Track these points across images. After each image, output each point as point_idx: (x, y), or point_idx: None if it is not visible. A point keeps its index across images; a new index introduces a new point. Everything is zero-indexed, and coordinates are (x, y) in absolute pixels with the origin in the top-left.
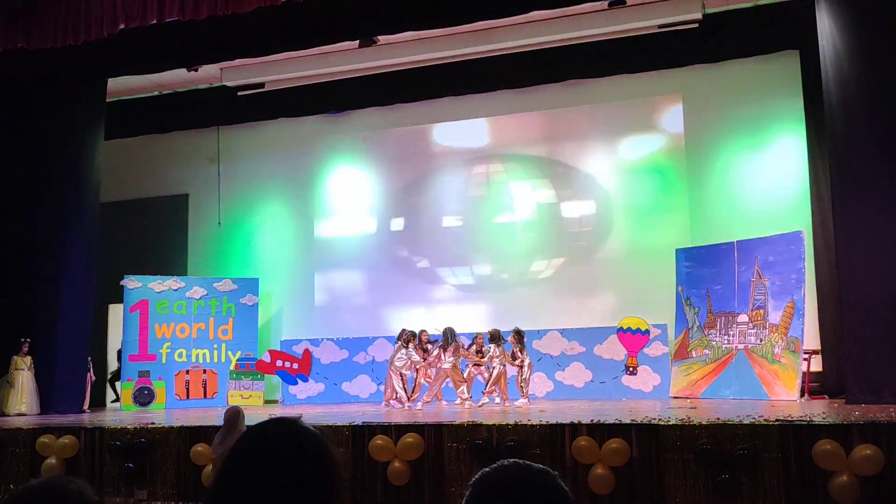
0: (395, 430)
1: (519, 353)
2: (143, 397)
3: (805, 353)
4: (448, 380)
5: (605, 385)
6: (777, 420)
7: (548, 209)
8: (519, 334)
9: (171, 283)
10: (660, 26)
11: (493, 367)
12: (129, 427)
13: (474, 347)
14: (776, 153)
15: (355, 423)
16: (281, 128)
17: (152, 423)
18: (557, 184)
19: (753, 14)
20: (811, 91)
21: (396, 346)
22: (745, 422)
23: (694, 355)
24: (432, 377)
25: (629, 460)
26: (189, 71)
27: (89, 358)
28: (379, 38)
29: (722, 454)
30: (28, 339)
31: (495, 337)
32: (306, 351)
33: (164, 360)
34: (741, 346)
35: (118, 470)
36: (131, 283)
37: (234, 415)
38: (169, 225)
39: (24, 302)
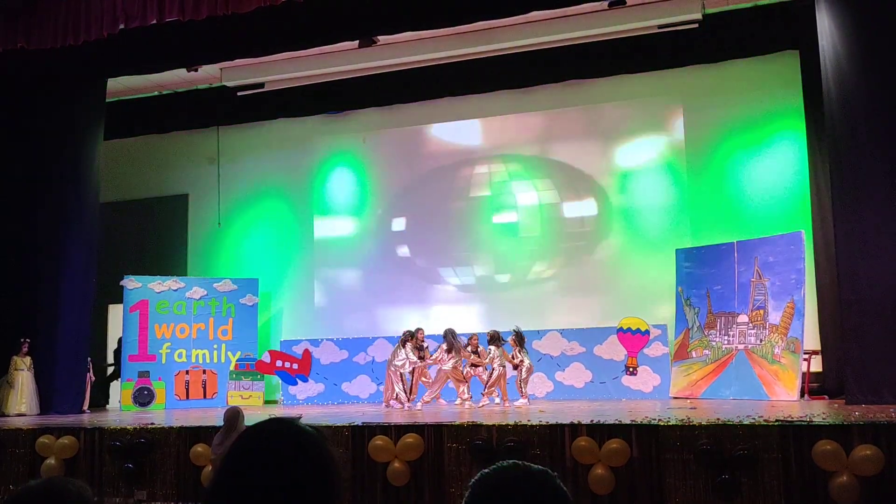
0: (394, 431)
1: (518, 354)
2: (143, 398)
3: (805, 353)
4: (448, 380)
5: (604, 385)
6: (777, 420)
7: (548, 209)
8: (519, 336)
9: (171, 283)
10: (660, 27)
11: (493, 368)
12: (128, 427)
13: (470, 348)
14: (776, 153)
15: (355, 424)
16: (281, 128)
17: (152, 424)
18: (557, 184)
19: (753, 14)
20: (811, 91)
21: (395, 346)
22: (745, 422)
23: (694, 356)
24: (431, 377)
25: (629, 460)
26: (189, 71)
27: (89, 358)
28: (379, 38)
29: (722, 454)
30: (28, 340)
31: (494, 338)
32: (306, 351)
33: (163, 361)
34: (741, 347)
35: (118, 470)
36: (131, 283)
37: (233, 415)
38: (169, 225)
39: (24, 302)
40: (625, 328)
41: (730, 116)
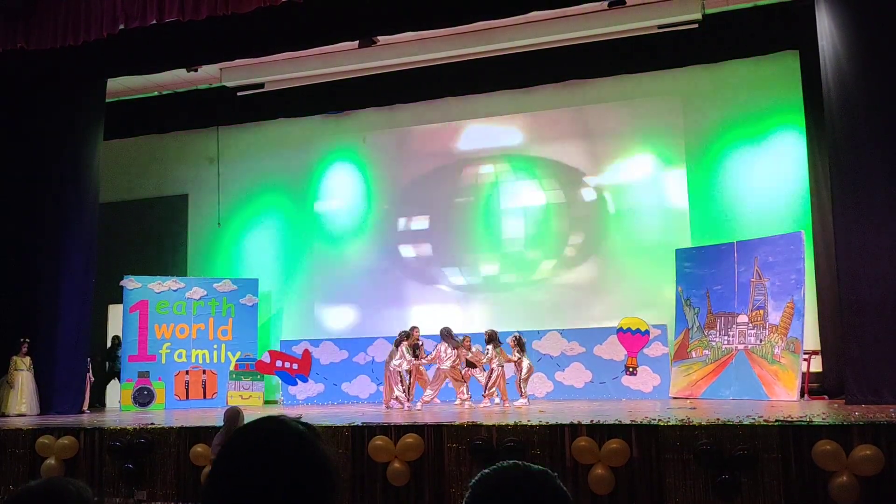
0: (394, 431)
1: (517, 354)
2: (143, 398)
3: (805, 353)
4: (447, 380)
5: (604, 385)
6: (777, 420)
7: (547, 209)
8: (518, 341)
9: (171, 283)
10: (659, 27)
11: (491, 369)
12: (128, 428)
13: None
14: (776, 153)
15: (355, 424)
16: (281, 128)
17: (152, 424)
18: (557, 184)
19: (753, 14)
20: (811, 91)
21: (392, 348)
22: (745, 422)
23: (694, 356)
24: (429, 377)
25: (629, 461)
26: (189, 71)
27: (88, 359)
28: (379, 38)
29: (722, 454)
30: (27, 340)
31: (492, 338)
32: (306, 351)
33: (163, 361)
34: (741, 347)
35: (118, 470)
36: (131, 283)
37: (233, 415)
38: (169, 225)
39: (24, 302)
40: (625, 328)
41: (730, 116)
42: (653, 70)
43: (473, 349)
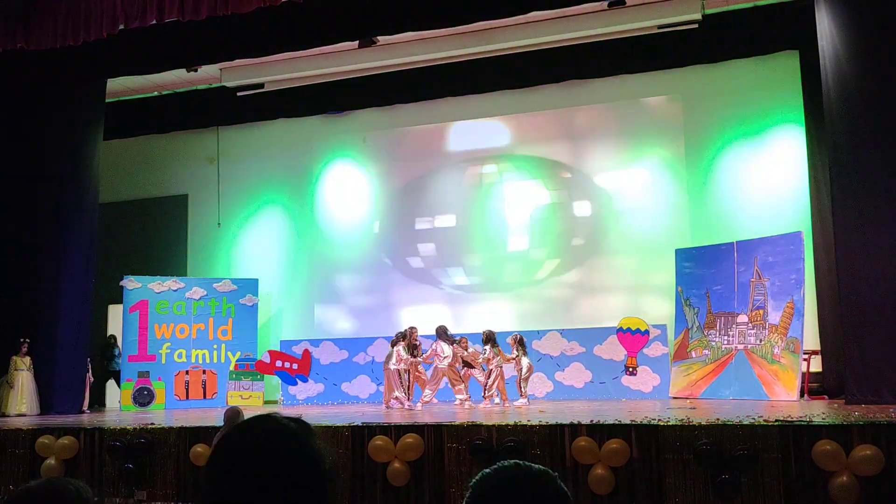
0: (394, 431)
1: (516, 352)
2: (143, 398)
3: (804, 353)
4: (445, 378)
5: (604, 385)
6: (777, 420)
7: (547, 209)
8: (518, 341)
9: (171, 283)
10: (659, 27)
11: (489, 370)
12: (128, 428)
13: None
14: (776, 153)
15: (355, 424)
16: (281, 128)
17: (152, 424)
18: (557, 184)
19: (753, 14)
20: (811, 91)
21: (389, 349)
22: (745, 422)
23: (693, 356)
24: (427, 376)
25: (629, 460)
26: (189, 71)
27: (88, 359)
28: (379, 38)
29: (722, 454)
30: (27, 340)
31: (489, 339)
32: (306, 351)
33: (163, 361)
34: (741, 347)
35: (118, 470)
36: (131, 283)
37: (233, 415)
38: (168, 225)
39: (24, 302)
40: (624, 328)
41: (730, 116)
42: (653, 70)
43: (471, 349)
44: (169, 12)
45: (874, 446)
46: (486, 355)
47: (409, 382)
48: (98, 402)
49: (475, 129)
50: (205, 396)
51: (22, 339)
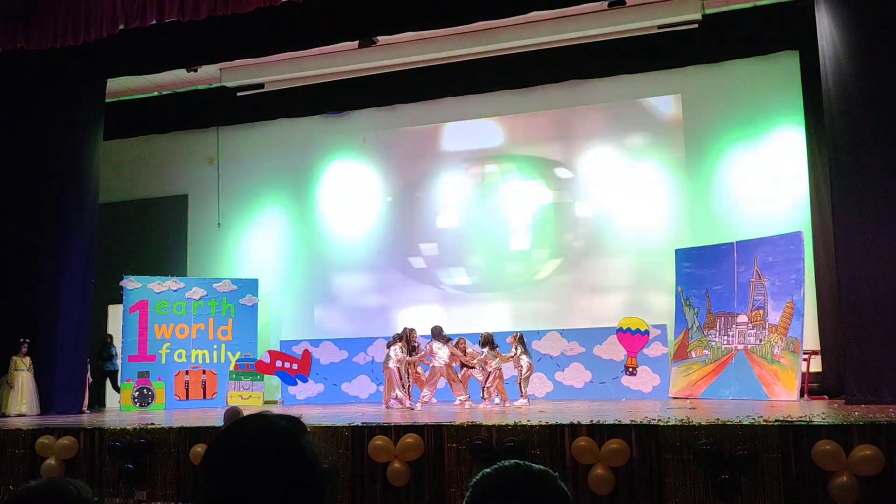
0: (394, 431)
1: (515, 351)
2: (143, 398)
3: (804, 353)
4: (442, 378)
5: (604, 385)
6: (777, 420)
7: (547, 209)
8: (518, 340)
9: (171, 283)
10: (659, 26)
11: (489, 372)
12: (128, 428)
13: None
14: (776, 153)
15: (355, 424)
16: (281, 128)
17: (152, 424)
18: (557, 184)
19: (753, 14)
20: (811, 91)
21: (387, 350)
22: (745, 422)
23: (693, 356)
24: (424, 374)
25: (629, 461)
26: (188, 71)
27: (87, 359)
28: (379, 38)
29: (722, 454)
30: (27, 340)
31: (487, 341)
32: (306, 351)
33: (163, 361)
34: (741, 347)
35: (118, 471)
36: (131, 283)
37: (233, 415)
38: (168, 225)
39: (24, 302)
40: (624, 328)
41: (729, 116)
42: (653, 70)
43: (470, 350)
44: (169, 12)
45: (874, 446)
46: (482, 357)
47: (409, 382)
48: (98, 402)
49: (475, 129)
50: (205, 396)
51: (22, 339)
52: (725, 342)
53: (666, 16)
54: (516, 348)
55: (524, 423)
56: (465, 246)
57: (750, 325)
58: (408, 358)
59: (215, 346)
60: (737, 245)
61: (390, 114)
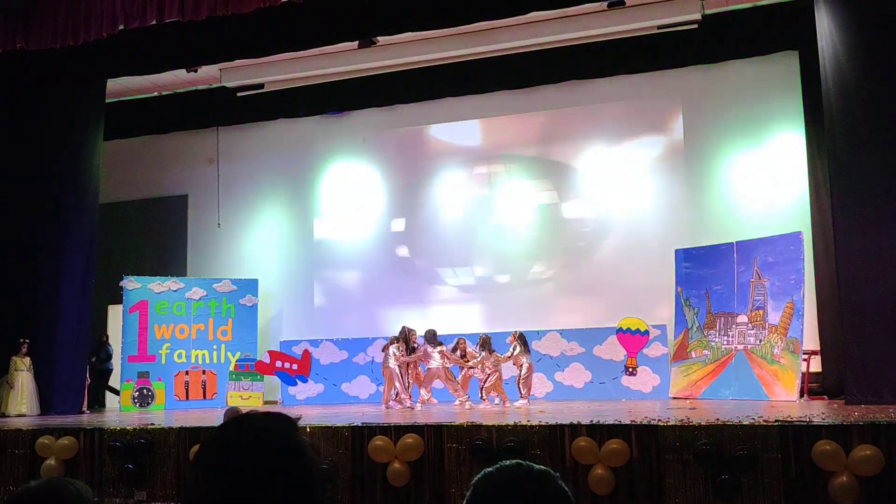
0: (394, 431)
1: (512, 351)
2: (143, 398)
3: (804, 353)
4: (438, 379)
5: (604, 386)
6: (777, 420)
7: (547, 210)
8: (518, 339)
9: (171, 283)
10: (659, 27)
11: (488, 374)
12: (128, 428)
13: (458, 352)
14: (775, 153)
15: (355, 424)
16: (280, 128)
17: (152, 424)
18: (557, 184)
19: (753, 14)
20: (810, 91)
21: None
22: (745, 422)
23: (693, 356)
24: (421, 375)
25: (629, 461)
26: (188, 72)
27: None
28: (379, 38)
29: (722, 454)
30: (27, 340)
31: (485, 343)
32: (305, 352)
33: (163, 361)
34: (740, 347)
35: (118, 471)
36: (131, 283)
37: (233, 415)
38: (168, 226)
39: (24, 302)
40: (624, 328)
41: (729, 116)
42: (653, 70)
43: (469, 350)
44: (169, 12)
45: (874, 446)
46: (479, 359)
47: (408, 382)
48: (98, 402)
49: (475, 129)
50: (204, 397)
51: (22, 340)
52: (725, 342)
53: (666, 16)
54: (515, 348)
55: (524, 423)
56: (465, 246)
57: (750, 325)
58: (404, 358)
59: (215, 347)
60: (737, 245)
61: (390, 114)
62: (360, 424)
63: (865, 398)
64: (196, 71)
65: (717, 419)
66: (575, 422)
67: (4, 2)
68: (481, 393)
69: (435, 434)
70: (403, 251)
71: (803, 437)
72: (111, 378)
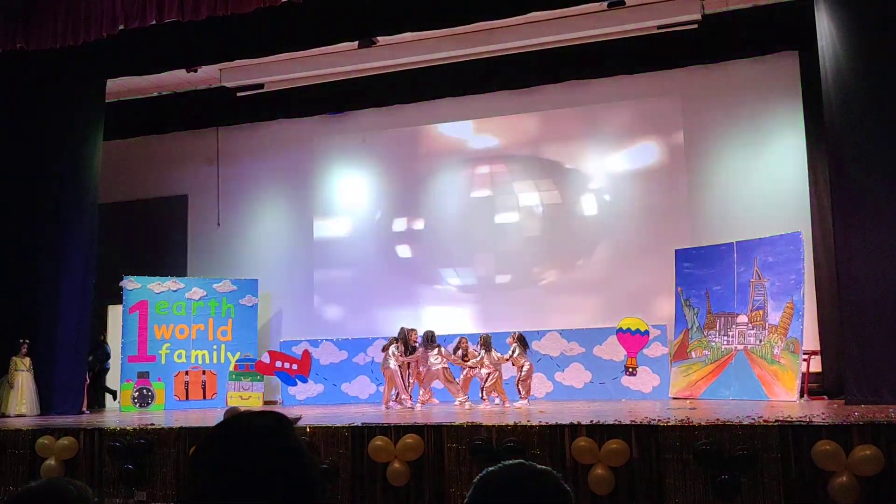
0: (394, 431)
1: (511, 353)
2: (143, 398)
3: (804, 353)
4: (437, 380)
5: (604, 386)
6: (777, 420)
7: (548, 210)
8: (517, 339)
9: (171, 283)
10: (659, 27)
11: (489, 374)
12: (128, 428)
13: (460, 352)
14: (775, 153)
15: (355, 424)
16: (280, 128)
17: (151, 425)
18: (557, 184)
19: (752, 14)
20: (810, 91)
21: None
22: (745, 422)
23: (693, 356)
24: (422, 374)
25: (629, 461)
26: (188, 72)
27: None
28: (379, 38)
29: (722, 454)
30: (27, 340)
31: (485, 343)
32: (305, 352)
33: (163, 361)
34: (740, 347)
35: (117, 471)
36: (130, 283)
37: (233, 416)
38: (168, 226)
39: (24, 302)
40: (624, 329)
41: (729, 116)
42: (653, 70)
43: (470, 350)
44: (169, 12)
45: (874, 446)
46: (478, 359)
47: (408, 382)
48: (98, 402)
49: (475, 129)
50: (204, 397)
51: (22, 340)
52: (725, 342)
53: (666, 16)
54: (514, 349)
55: (524, 423)
56: (465, 246)
57: (750, 325)
58: (402, 358)
59: (215, 347)
60: (736, 245)
61: (390, 114)
62: (360, 424)
63: (865, 398)
64: (196, 71)
65: (717, 419)
66: (575, 422)
67: (4, 2)
68: (481, 393)
69: (435, 434)
70: (403, 251)
71: (803, 437)
72: (107, 378)
